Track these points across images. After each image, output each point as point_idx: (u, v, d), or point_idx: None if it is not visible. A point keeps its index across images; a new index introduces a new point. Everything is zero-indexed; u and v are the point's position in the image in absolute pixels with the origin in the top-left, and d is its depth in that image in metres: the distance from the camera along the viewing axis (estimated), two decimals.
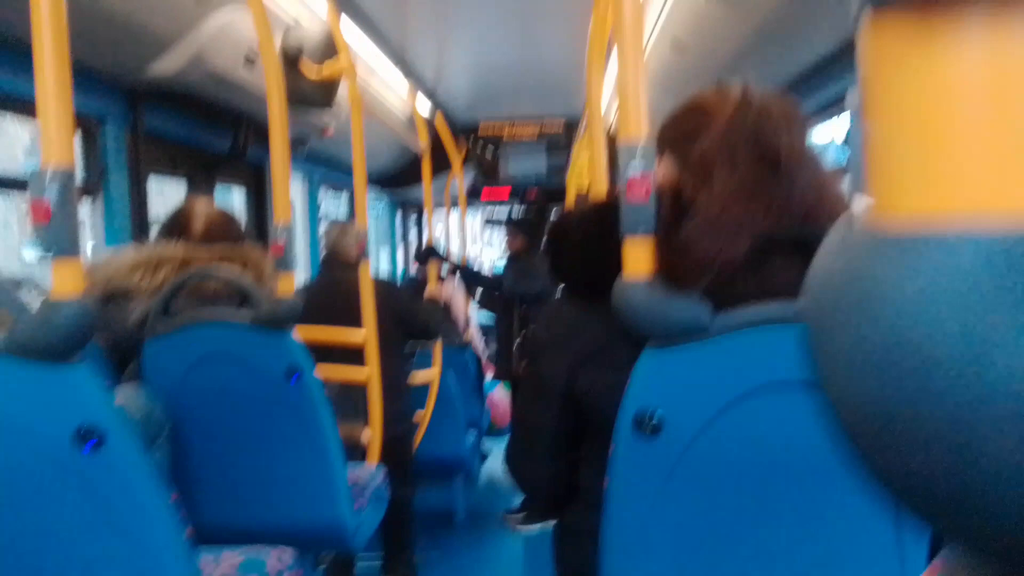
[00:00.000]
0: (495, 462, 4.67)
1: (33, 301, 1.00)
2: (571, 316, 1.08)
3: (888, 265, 0.24)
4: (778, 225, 0.89)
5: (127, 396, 1.54)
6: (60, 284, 0.95)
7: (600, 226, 1.01)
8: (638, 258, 0.88)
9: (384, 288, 2.99)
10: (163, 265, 1.75)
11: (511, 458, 1.25)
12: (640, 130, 0.89)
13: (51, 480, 1.01)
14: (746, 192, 0.90)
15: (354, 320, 2.44)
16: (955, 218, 0.22)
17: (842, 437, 0.28)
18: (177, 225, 1.87)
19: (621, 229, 0.89)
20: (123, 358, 1.81)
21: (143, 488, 1.05)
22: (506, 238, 4.71)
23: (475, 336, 4.77)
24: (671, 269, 0.89)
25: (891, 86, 0.25)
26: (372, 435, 2.39)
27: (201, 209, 1.91)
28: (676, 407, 0.88)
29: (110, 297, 1.73)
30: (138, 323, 1.72)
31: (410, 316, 2.98)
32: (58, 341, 0.94)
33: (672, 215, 0.90)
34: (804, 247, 0.89)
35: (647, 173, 0.87)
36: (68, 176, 0.93)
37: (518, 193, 6.04)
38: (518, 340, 4.29)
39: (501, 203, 6.14)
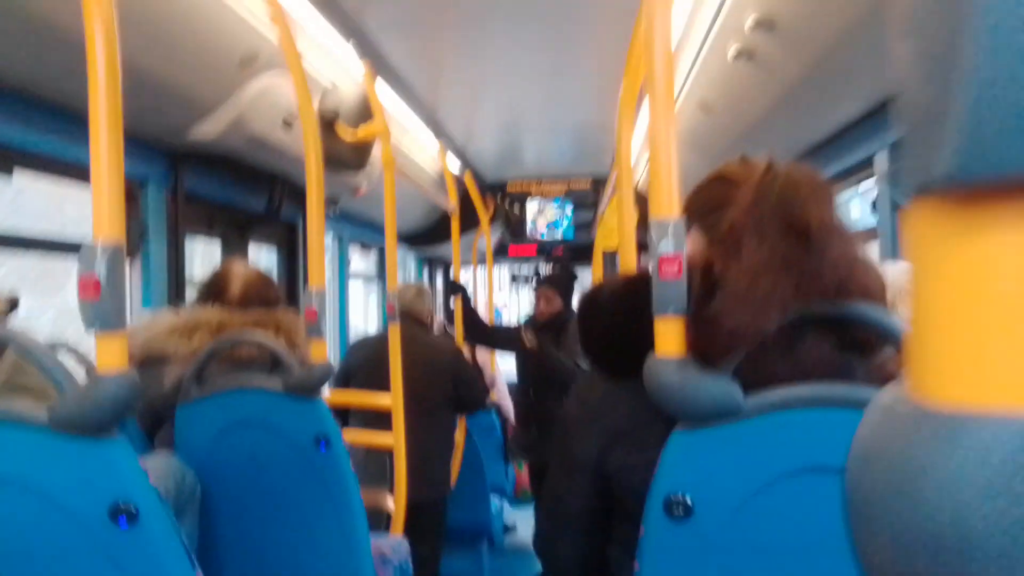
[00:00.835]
0: (522, 528, 4.58)
1: (69, 365, 1.00)
2: (602, 392, 1.06)
3: (930, 441, 0.24)
4: (809, 299, 0.87)
5: (160, 463, 1.53)
6: (105, 358, 0.95)
7: (631, 301, 1.00)
8: (669, 337, 0.87)
9: (452, 352, 3.03)
10: (199, 330, 1.75)
11: (540, 537, 1.22)
12: (672, 207, 0.88)
13: (84, 554, 0.99)
14: (775, 264, 0.88)
15: (421, 377, 2.46)
16: (995, 405, 0.23)
17: None
18: (215, 288, 1.89)
19: (653, 307, 0.88)
20: (155, 422, 1.81)
21: (174, 568, 1.03)
22: (537, 300, 3.63)
23: (502, 397, 4.67)
24: (701, 344, 0.88)
25: (931, 270, 0.25)
26: (397, 504, 2.36)
27: (239, 272, 1.93)
28: (707, 490, 0.86)
29: (146, 361, 1.74)
30: (173, 388, 1.72)
31: (468, 388, 3.01)
32: (101, 417, 0.94)
33: (702, 290, 0.89)
34: (836, 324, 0.87)
35: (679, 250, 0.86)
36: (118, 251, 0.94)
37: (545, 251, 6.07)
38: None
39: (528, 259, 6.17)
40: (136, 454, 1.01)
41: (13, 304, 1.30)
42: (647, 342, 0.90)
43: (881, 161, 2.45)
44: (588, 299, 1.09)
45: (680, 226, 0.86)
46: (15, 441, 0.97)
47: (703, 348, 0.87)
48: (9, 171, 1.99)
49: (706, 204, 0.98)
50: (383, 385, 2.49)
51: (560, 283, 3.53)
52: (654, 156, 0.90)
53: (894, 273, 0.97)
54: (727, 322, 0.86)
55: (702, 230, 0.98)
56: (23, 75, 1.81)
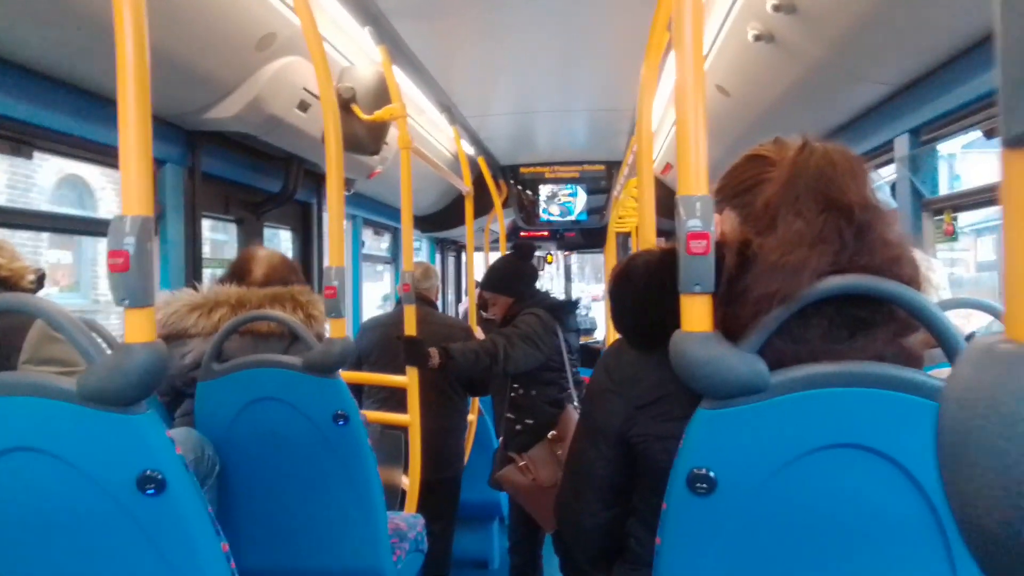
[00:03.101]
0: None
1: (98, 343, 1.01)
2: (630, 362, 1.06)
3: None
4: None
5: (181, 437, 1.56)
6: (133, 332, 0.96)
7: (665, 274, 1.00)
8: (696, 313, 0.87)
9: (464, 332, 3.03)
10: (219, 307, 1.78)
11: (561, 504, 1.22)
12: (700, 182, 0.88)
13: (112, 522, 1.01)
14: (810, 238, 0.88)
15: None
16: None
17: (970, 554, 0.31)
18: (239, 270, 1.91)
19: (680, 283, 0.88)
20: (175, 398, 1.84)
21: (199, 534, 1.05)
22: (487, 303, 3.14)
23: None
24: (730, 322, 0.88)
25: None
26: (411, 482, 2.38)
27: (263, 254, 1.96)
28: (731, 467, 0.86)
29: (167, 338, 1.76)
30: (192, 364, 1.74)
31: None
32: (129, 389, 0.95)
33: (736, 268, 0.89)
34: (840, 302, 0.87)
35: (707, 227, 0.86)
36: (147, 226, 0.96)
37: (557, 235, 6.06)
38: (501, 439, 2.99)
39: (540, 242, 6.17)
40: (163, 425, 1.02)
41: (40, 278, 1.32)
42: (677, 314, 0.90)
43: (901, 145, 2.43)
44: (621, 271, 1.08)
45: (708, 202, 0.86)
46: (45, 412, 0.99)
47: (731, 326, 0.88)
48: (29, 154, 2.01)
49: (740, 184, 0.98)
50: (398, 365, 2.50)
51: (492, 282, 3.04)
52: (682, 133, 0.90)
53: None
54: (755, 291, 0.87)
55: (736, 210, 0.98)
56: (43, 56, 1.82)
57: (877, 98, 2.44)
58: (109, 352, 0.98)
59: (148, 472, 0.98)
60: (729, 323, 0.88)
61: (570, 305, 3.08)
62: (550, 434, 2.72)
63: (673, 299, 0.92)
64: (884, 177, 2.62)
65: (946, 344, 0.84)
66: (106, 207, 10.20)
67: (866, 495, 0.85)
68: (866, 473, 0.85)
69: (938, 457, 0.34)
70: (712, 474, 0.86)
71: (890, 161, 2.56)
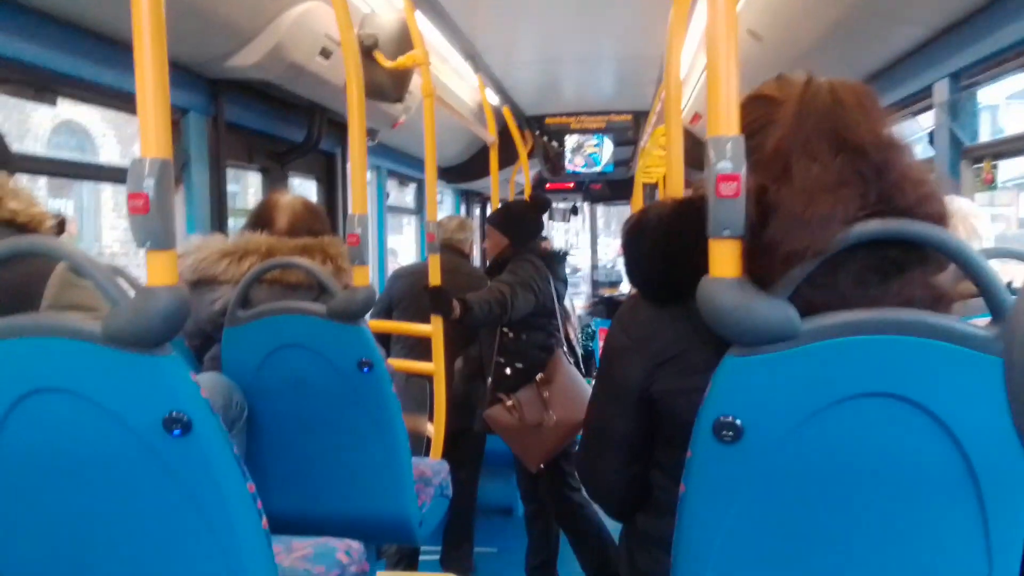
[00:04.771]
0: None
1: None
2: (647, 318, 1.05)
3: None
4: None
5: (209, 382, 1.58)
6: (155, 275, 0.96)
7: (679, 225, 0.98)
8: (725, 258, 0.84)
9: (480, 281, 3.05)
10: (248, 255, 1.79)
11: (582, 462, 1.23)
12: (731, 124, 0.85)
13: (140, 464, 1.03)
14: (831, 182, 0.85)
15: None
16: None
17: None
18: (262, 218, 1.92)
19: (708, 228, 0.85)
20: (203, 343, 1.86)
21: (225, 475, 1.07)
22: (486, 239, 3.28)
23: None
24: (756, 271, 0.85)
25: None
26: (436, 430, 2.41)
27: (285, 202, 1.96)
28: (758, 415, 0.85)
29: (196, 283, 1.78)
30: (220, 310, 1.76)
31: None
32: (152, 330, 0.96)
33: (756, 216, 0.86)
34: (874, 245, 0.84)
35: (738, 169, 0.83)
36: (166, 168, 0.95)
37: (583, 186, 6.00)
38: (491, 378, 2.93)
39: (566, 194, 6.12)
40: (188, 367, 1.03)
41: (62, 225, 1.32)
42: (694, 267, 0.88)
43: (940, 91, 2.35)
44: (634, 224, 1.06)
45: (739, 143, 0.83)
46: (70, 354, 1.00)
47: (758, 275, 0.85)
48: (53, 100, 2.01)
49: (746, 127, 0.95)
50: (425, 313, 2.52)
51: (498, 219, 3.08)
52: (712, 71, 0.86)
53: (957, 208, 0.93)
54: (784, 247, 0.84)
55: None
56: (66, 3, 1.81)
57: (915, 41, 2.36)
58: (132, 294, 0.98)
59: (174, 413, 0.99)
60: (756, 276, 0.85)
61: (559, 256, 3.15)
62: (538, 376, 2.81)
63: (688, 252, 0.90)
64: (922, 125, 2.54)
65: (991, 296, 0.81)
66: (107, 154, 10.21)
67: (897, 445, 0.84)
68: (898, 422, 0.83)
69: (1012, 407, 0.32)
70: (739, 422, 0.85)
71: (929, 108, 2.48)
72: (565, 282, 3.21)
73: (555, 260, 3.05)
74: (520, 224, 3.02)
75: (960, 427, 0.82)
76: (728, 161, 0.83)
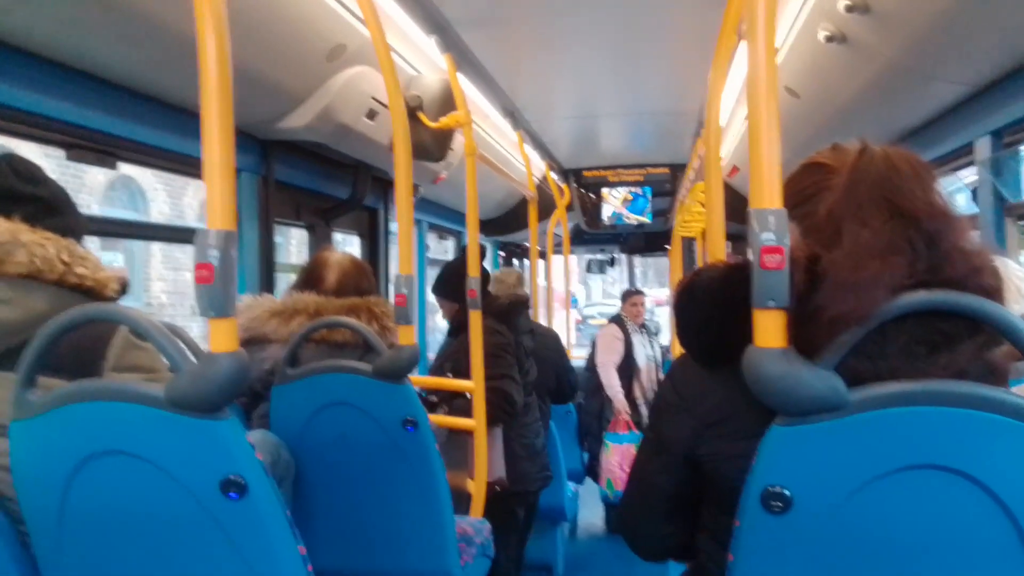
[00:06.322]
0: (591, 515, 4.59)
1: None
2: (697, 379, 1.05)
3: None
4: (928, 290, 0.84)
5: (258, 440, 1.60)
6: (217, 342, 1.00)
7: (729, 290, 0.98)
8: (770, 329, 0.85)
9: (555, 341, 3.04)
10: (297, 315, 1.84)
11: (624, 516, 1.22)
12: (775, 195, 0.86)
13: (196, 525, 1.05)
14: (880, 248, 0.85)
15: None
16: None
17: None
18: (312, 276, 1.97)
19: (753, 298, 0.85)
20: (251, 400, 1.90)
21: (278, 537, 1.09)
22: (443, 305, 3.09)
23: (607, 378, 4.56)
24: (803, 340, 0.85)
25: None
26: (477, 487, 2.40)
27: (335, 260, 2.01)
28: (807, 485, 0.84)
29: (246, 342, 1.82)
30: (270, 369, 1.80)
31: (569, 374, 2.99)
32: (214, 396, 0.99)
33: (805, 285, 0.87)
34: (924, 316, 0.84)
35: (782, 241, 0.84)
36: (231, 239, 0.99)
37: (621, 237, 6.01)
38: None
39: (603, 245, 6.14)
40: (244, 430, 1.06)
41: (124, 285, 1.37)
42: (744, 331, 0.88)
43: (982, 148, 2.34)
44: (685, 287, 1.07)
45: (782, 215, 0.84)
46: (134, 418, 1.03)
47: (805, 344, 0.85)
48: (113, 164, 2.10)
49: (799, 193, 0.96)
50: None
51: (439, 289, 2.96)
52: (754, 143, 0.88)
53: (1004, 269, 0.93)
54: (829, 311, 0.84)
55: (796, 221, 0.95)
56: (129, 72, 1.90)
57: (955, 99, 2.35)
58: (192, 358, 1.01)
59: (231, 477, 1.02)
60: (802, 344, 0.85)
61: (518, 306, 2.95)
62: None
63: (738, 317, 0.90)
64: (964, 180, 2.52)
65: None
66: (158, 208, 10.53)
67: (948, 517, 0.83)
68: (949, 495, 0.82)
69: None
70: (787, 492, 0.84)
71: (969, 163, 2.46)
72: (531, 333, 3.00)
73: (512, 312, 2.86)
74: (459, 286, 2.66)
75: (1013, 499, 0.81)
76: (772, 233, 0.84)
